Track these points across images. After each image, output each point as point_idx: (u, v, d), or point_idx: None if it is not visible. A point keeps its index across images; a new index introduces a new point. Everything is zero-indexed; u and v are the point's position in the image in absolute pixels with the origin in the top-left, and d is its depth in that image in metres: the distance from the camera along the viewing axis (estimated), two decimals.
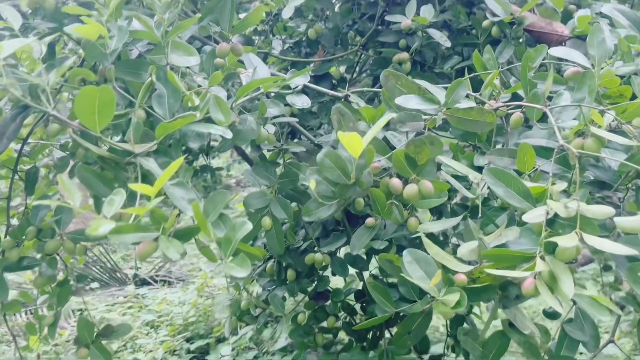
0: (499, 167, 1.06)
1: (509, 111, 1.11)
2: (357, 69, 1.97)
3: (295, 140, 1.87)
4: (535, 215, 0.83)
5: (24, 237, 1.16)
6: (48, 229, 1.17)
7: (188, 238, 0.83)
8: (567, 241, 0.77)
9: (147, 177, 0.88)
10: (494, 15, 1.50)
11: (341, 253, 1.64)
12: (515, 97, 1.21)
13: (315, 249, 1.49)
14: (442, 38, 1.53)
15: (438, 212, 1.58)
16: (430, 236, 1.40)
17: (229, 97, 1.11)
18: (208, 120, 0.95)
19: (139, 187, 0.70)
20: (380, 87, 1.67)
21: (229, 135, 0.89)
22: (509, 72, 1.56)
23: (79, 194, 0.73)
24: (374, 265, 1.65)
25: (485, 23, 1.52)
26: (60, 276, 1.35)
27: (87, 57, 0.98)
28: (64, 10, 0.92)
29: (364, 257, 1.62)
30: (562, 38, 1.47)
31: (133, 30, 0.96)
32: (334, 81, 1.89)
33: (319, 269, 1.55)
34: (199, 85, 1.01)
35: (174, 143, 0.92)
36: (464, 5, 1.86)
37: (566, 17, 1.60)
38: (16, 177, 1.28)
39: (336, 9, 1.93)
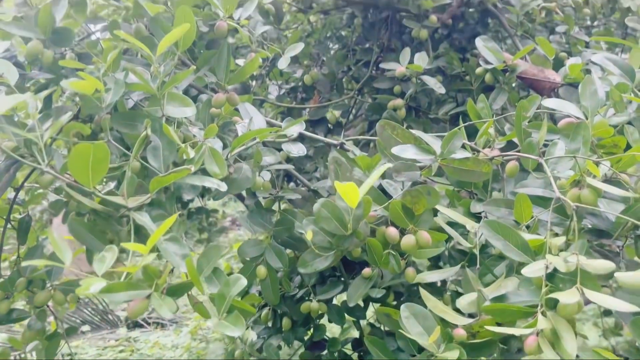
0: (496, 217, 1.05)
1: (505, 159, 1.11)
2: (353, 112, 1.98)
3: (291, 184, 1.87)
4: (534, 270, 0.82)
5: (14, 289, 1.13)
6: (38, 280, 1.15)
7: (181, 294, 0.81)
8: (568, 297, 0.76)
9: (141, 230, 0.87)
10: (487, 62, 1.52)
11: (338, 300, 1.61)
12: (511, 144, 1.21)
13: (311, 297, 1.46)
14: (436, 85, 1.55)
15: (436, 257, 1.56)
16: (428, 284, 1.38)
17: (224, 146, 1.11)
18: (203, 171, 0.94)
19: (132, 246, 0.69)
20: (376, 132, 1.68)
21: (223, 188, 0.88)
22: (503, 119, 1.58)
23: (69, 252, 0.71)
24: (371, 312, 1.61)
25: (478, 70, 1.54)
26: (50, 326, 1.31)
27: (83, 110, 0.98)
28: (61, 64, 0.93)
29: (361, 304, 1.58)
30: (554, 85, 1.49)
31: (129, 82, 0.96)
32: (329, 125, 1.90)
33: (315, 317, 1.52)
34: (195, 136, 1.01)
35: (168, 195, 0.91)
36: (457, 50, 1.90)
37: (558, 64, 1.63)
38: (9, 225, 1.26)
39: (331, 55, 1.96)
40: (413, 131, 0.96)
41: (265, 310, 1.59)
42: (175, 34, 0.88)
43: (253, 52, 1.18)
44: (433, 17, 1.69)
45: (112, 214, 0.89)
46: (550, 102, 1.01)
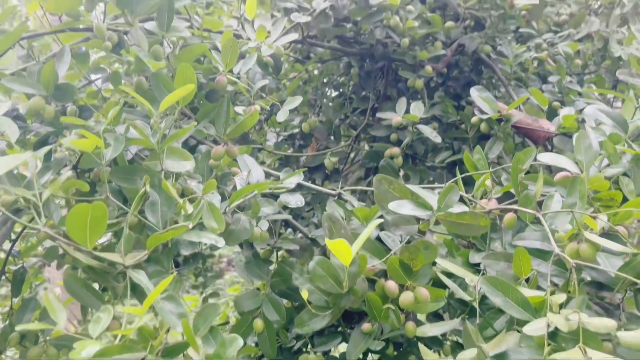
0: (495, 271, 1.05)
1: (502, 212, 1.12)
2: (350, 158, 2.00)
3: (289, 229, 1.86)
4: (536, 328, 0.81)
5: (7, 343, 1.11)
6: (32, 334, 1.12)
7: (177, 354, 0.80)
8: (571, 358, 0.75)
9: (137, 287, 0.86)
10: (482, 112, 1.55)
11: (336, 350, 1.58)
12: (508, 194, 1.22)
13: (309, 348, 1.44)
14: (432, 134, 1.57)
15: None
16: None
17: (223, 197, 1.11)
18: (201, 225, 0.94)
19: (128, 310, 0.68)
20: (373, 181, 1.69)
21: (221, 243, 0.88)
22: (501, 169, 1.59)
23: (63, 312, 0.70)
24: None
25: (473, 119, 1.56)
26: None
27: (83, 165, 0.99)
28: (62, 120, 0.94)
29: (360, 355, 1.55)
30: (549, 134, 1.51)
31: (130, 137, 0.98)
32: (327, 172, 1.91)
33: None
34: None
35: (165, 251, 0.90)
36: (452, 98, 1.93)
37: (552, 113, 1.66)
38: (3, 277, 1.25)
39: (329, 102, 1.99)
40: (410, 186, 0.96)
41: None
42: (177, 94, 0.89)
43: (252, 105, 1.20)
44: (428, 68, 1.73)
45: (109, 270, 0.88)
46: (545, 157, 1.02)
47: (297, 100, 1.25)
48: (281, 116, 1.23)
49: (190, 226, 0.84)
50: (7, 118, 0.81)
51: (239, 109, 1.32)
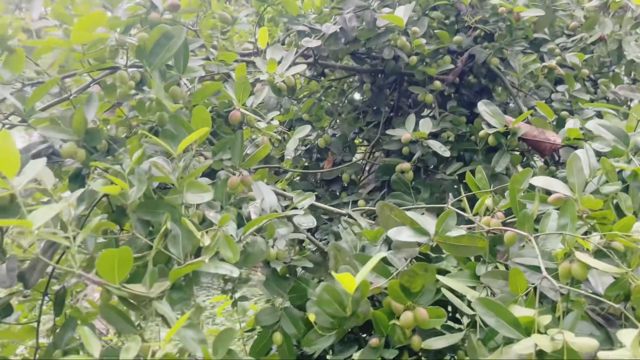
0: (494, 288, 1.11)
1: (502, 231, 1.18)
2: (366, 170, 2.07)
3: (304, 247, 1.94)
4: (524, 347, 0.88)
5: None
6: (74, 351, 1.24)
7: None
8: None
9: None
10: (489, 126, 1.60)
11: (356, 356, 1.66)
12: (511, 210, 1.27)
13: (328, 357, 1.52)
14: (441, 149, 1.63)
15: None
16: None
17: (240, 220, 1.21)
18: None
19: (154, 344, 0.78)
20: (387, 192, 1.76)
21: (235, 274, 0.97)
22: (507, 178, 1.64)
23: (98, 345, 0.81)
24: None
25: (481, 133, 1.61)
26: None
27: (112, 201, 1.10)
28: (92, 165, 1.05)
29: None
30: (555, 146, 1.55)
31: (152, 176, 1.08)
32: (344, 184, 1.99)
33: None
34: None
35: (187, 281, 1.00)
36: (465, 106, 1.98)
37: (561, 123, 1.69)
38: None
39: (343, 117, 2.07)
40: (409, 213, 1.04)
41: None
42: (193, 136, 0.99)
43: (265, 137, 1.29)
44: (437, 83, 1.78)
45: (137, 298, 0.99)
46: (539, 181, 1.08)
47: (306, 129, 1.34)
48: (291, 145, 1.32)
49: (207, 260, 0.93)
50: (45, 168, 0.92)
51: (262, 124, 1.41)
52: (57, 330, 1.38)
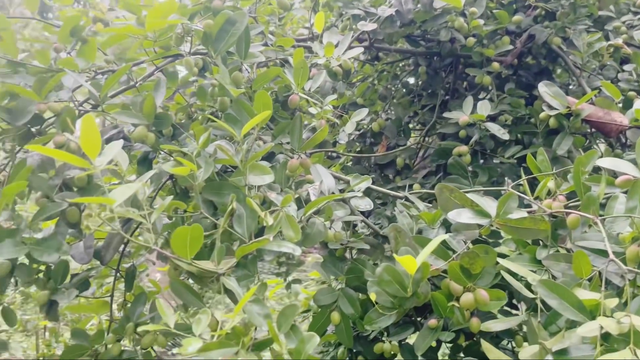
0: (556, 271, 1.10)
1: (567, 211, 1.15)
2: (421, 154, 2.06)
3: (363, 224, 1.96)
4: (589, 330, 0.87)
5: (124, 333, 1.32)
6: (144, 324, 1.32)
7: (264, 348, 0.94)
8: (621, 358, 0.80)
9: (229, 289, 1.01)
10: (550, 107, 1.55)
11: (411, 339, 1.67)
12: (574, 194, 1.24)
13: (384, 337, 1.55)
14: (500, 131, 1.60)
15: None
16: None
17: (298, 202, 1.24)
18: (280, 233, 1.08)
19: (223, 315, 0.82)
20: (442, 176, 1.75)
21: (298, 252, 1.00)
22: (570, 161, 1.59)
23: (173, 316, 0.86)
24: (443, 351, 1.67)
25: (542, 115, 1.57)
26: None
27: (180, 183, 1.16)
28: (162, 147, 1.11)
29: (434, 344, 1.64)
30: (621, 127, 1.49)
31: (218, 158, 1.12)
32: (398, 168, 1.99)
33: (388, 357, 1.59)
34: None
35: (251, 259, 1.05)
36: (524, 88, 1.92)
37: (628, 103, 1.62)
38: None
39: (397, 101, 2.06)
40: (470, 195, 1.03)
41: (341, 349, 1.69)
42: (256, 120, 1.02)
43: (323, 120, 1.31)
44: (496, 64, 1.75)
45: (205, 275, 1.04)
46: (605, 162, 1.05)
47: (363, 113, 1.35)
48: (349, 128, 1.33)
49: (271, 238, 0.97)
50: (121, 150, 0.98)
51: (313, 110, 1.43)
52: (128, 305, 1.47)
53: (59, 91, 1.19)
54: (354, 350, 1.68)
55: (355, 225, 1.99)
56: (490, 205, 1.02)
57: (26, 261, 1.17)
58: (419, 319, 1.59)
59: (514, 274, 1.13)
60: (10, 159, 1.16)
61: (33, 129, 1.21)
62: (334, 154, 2.20)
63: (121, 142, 0.94)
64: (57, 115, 1.14)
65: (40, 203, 1.12)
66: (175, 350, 4.86)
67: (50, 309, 1.21)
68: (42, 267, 1.25)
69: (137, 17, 1.20)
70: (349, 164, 2.13)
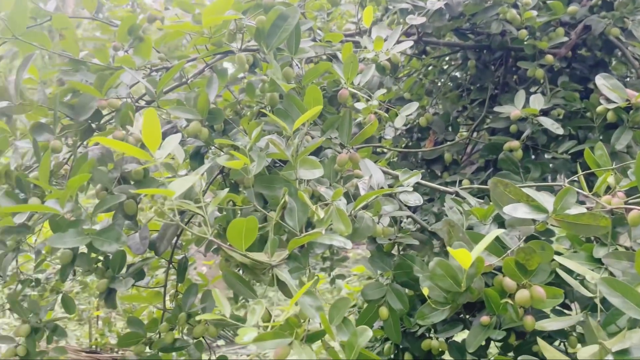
0: (617, 270, 1.06)
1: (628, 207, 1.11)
2: (469, 150, 2.03)
3: (409, 220, 1.95)
4: None
5: (177, 322, 1.36)
6: (196, 315, 1.36)
7: (317, 339, 0.95)
8: None
9: (280, 280, 1.02)
10: (608, 101, 1.50)
11: (458, 337, 1.65)
12: (633, 190, 1.20)
13: (432, 334, 1.53)
14: (553, 125, 1.55)
15: None
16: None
17: (348, 200, 1.24)
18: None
19: (280, 308, 0.84)
20: (492, 172, 1.72)
21: (349, 246, 1.01)
22: (629, 156, 1.53)
23: (228, 306, 0.88)
24: (493, 350, 1.63)
25: (599, 109, 1.52)
26: None
27: (232, 177, 1.18)
28: (216, 142, 1.14)
29: (483, 342, 1.61)
30: None
31: (269, 152, 1.14)
32: (445, 164, 1.96)
33: (436, 354, 1.58)
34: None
35: (303, 251, 1.06)
36: (578, 81, 1.86)
37: None
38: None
39: (445, 95, 2.03)
40: (525, 189, 1.01)
41: (387, 345, 1.69)
42: (307, 115, 1.03)
43: (372, 114, 1.30)
44: (549, 57, 1.70)
45: (257, 266, 1.06)
46: None
47: (413, 107, 1.33)
48: (399, 122, 1.32)
49: (323, 232, 0.98)
50: (179, 146, 1.01)
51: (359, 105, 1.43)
52: (180, 296, 1.51)
53: (117, 88, 1.23)
54: (401, 347, 1.67)
55: (401, 221, 1.98)
56: (547, 200, 1.00)
57: (85, 251, 1.23)
58: (467, 316, 1.57)
59: (569, 273, 1.10)
60: (72, 153, 1.21)
61: (93, 125, 1.25)
62: (380, 150, 2.19)
63: (179, 135, 0.96)
64: (116, 111, 1.18)
65: (100, 195, 1.17)
66: (219, 342, 4.97)
67: (108, 296, 1.26)
68: (101, 257, 1.30)
69: (192, 14, 1.22)
70: (395, 159, 2.11)
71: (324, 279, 3.27)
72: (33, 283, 1.44)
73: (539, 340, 1.04)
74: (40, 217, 1.19)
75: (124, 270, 1.30)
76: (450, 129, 1.95)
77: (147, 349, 1.38)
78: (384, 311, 1.35)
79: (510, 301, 1.09)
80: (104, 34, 1.85)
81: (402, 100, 2.03)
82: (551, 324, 1.15)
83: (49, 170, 1.07)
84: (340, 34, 1.48)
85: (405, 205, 1.33)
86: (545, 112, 1.71)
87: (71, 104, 1.20)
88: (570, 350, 1.60)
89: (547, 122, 1.56)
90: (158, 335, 1.40)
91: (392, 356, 1.72)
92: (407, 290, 1.49)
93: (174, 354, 1.49)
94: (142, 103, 1.37)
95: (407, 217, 1.93)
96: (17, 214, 1.05)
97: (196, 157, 1.41)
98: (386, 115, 1.38)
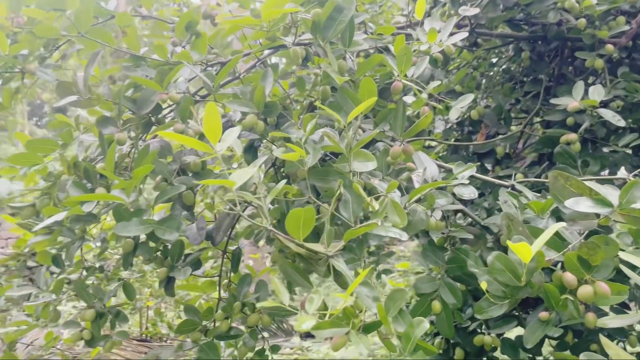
0: None
1: None
2: (521, 144, 1.98)
3: (459, 214, 1.92)
4: None
5: (232, 311, 1.39)
6: (250, 304, 1.39)
7: (373, 330, 0.95)
8: None
9: (336, 271, 1.03)
10: None
11: (511, 333, 1.62)
12: None
13: (485, 330, 1.51)
14: (614, 118, 1.49)
15: None
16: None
17: (402, 192, 1.24)
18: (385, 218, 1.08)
19: (337, 295, 0.85)
20: (547, 166, 1.67)
21: (404, 237, 1.00)
22: None
23: (287, 294, 0.90)
24: (547, 349, 1.60)
25: None
26: None
27: (287, 169, 1.20)
28: (271, 135, 1.15)
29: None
30: None
31: (324, 145, 1.15)
32: (497, 157, 1.92)
33: (488, 350, 1.56)
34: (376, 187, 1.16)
35: (357, 243, 1.06)
36: (638, 72, 1.78)
37: None
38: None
39: (498, 88, 1.99)
40: (588, 182, 0.98)
41: (437, 339, 1.67)
42: (362, 106, 1.04)
43: (426, 107, 1.29)
44: (609, 47, 1.63)
45: (313, 257, 1.07)
46: None
47: (468, 99, 1.31)
48: (454, 114, 1.31)
49: (380, 224, 0.98)
50: (237, 139, 1.03)
51: (407, 99, 1.41)
52: (233, 285, 1.54)
53: (175, 82, 1.27)
54: (452, 342, 1.66)
55: (450, 216, 1.95)
56: (611, 193, 0.97)
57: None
58: (521, 313, 1.54)
59: (632, 269, 1.06)
60: (134, 146, 1.25)
61: (152, 118, 1.30)
62: (428, 144, 2.16)
63: (238, 129, 0.99)
64: (176, 105, 1.22)
65: (160, 187, 1.21)
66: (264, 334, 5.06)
67: (167, 284, 1.30)
68: (160, 247, 1.35)
69: (250, 9, 1.25)
70: (444, 153, 2.09)
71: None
72: (97, 270, 1.51)
73: (602, 338, 1.02)
74: (103, 207, 1.24)
75: (181, 259, 1.34)
76: (502, 122, 1.91)
77: (203, 337, 1.42)
78: (436, 305, 1.34)
79: (571, 297, 1.06)
80: (154, 31, 1.90)
81: (452, 93, 2.00)
82: (612, 322, 1.12)
83: (114, 161, 1.12)
84: (392, 26, 1.48)
85: (458, 199, 1.31)
86: (604, 104, 1.65)
87: (133, 98, 1.25)
88: (629, 349, 1.54)
89: (608, 114, 1.51)
90: (213, 324, 1.44)
91: (441, 351, 1.71)
92: (458, 285, 1.48)
93: (221, 342, 1.53)
94: (197, 97, 1.41)
95: (458, 211, 1.91)
96: (85, 203, 1.10)
97: (250, 150, 1.43)
98: (440, 107, 1.36)
